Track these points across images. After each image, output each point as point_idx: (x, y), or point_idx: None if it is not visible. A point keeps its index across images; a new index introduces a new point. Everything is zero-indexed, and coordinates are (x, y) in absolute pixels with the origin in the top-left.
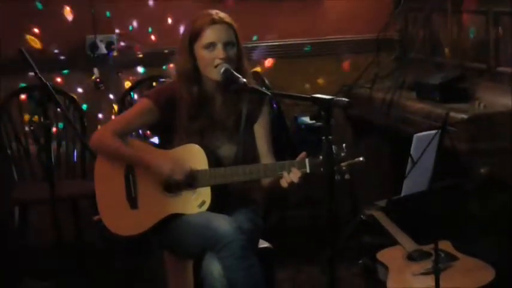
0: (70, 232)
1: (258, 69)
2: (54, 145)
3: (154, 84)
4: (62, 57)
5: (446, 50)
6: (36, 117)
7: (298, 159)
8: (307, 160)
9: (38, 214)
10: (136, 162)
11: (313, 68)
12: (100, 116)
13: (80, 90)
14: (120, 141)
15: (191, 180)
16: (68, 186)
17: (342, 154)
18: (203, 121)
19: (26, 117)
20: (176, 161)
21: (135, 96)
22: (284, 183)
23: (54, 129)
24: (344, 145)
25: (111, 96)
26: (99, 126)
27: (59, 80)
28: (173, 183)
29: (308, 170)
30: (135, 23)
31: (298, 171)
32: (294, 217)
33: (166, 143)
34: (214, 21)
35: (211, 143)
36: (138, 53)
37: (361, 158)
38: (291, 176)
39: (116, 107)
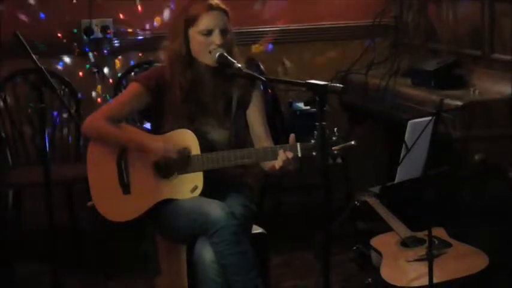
0: (64, 216)
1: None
2: (48, 129)
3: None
4: (57, 41)
5: (442, 37)
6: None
7: (289, 142)
8: (298, 144)
9: (32, 198)
10: (128, 144)
11: (308, 53)
12: (95, 100)
13: (75, 74)
14: (112, 125)
15: (185, 158)
16: (63, 169)
17: (334, 138)
18: (193, 105)
19: (21, 101)
20: (168, 141)
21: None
22: (276, 166)
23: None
24: (336, 129)
25: (106, 80)
26: (94, 111)
27: (54, 64)
28: (166, 165)
29: (300, 154)
30: (131, 7)
31: (289, 153)
32: (288, 202)
33: (157, 128)
34: (211, 7)
35: (202, 127)
36: (134, 37)
37: (352, 142)
38: (281, 157)
39: (111, 91)
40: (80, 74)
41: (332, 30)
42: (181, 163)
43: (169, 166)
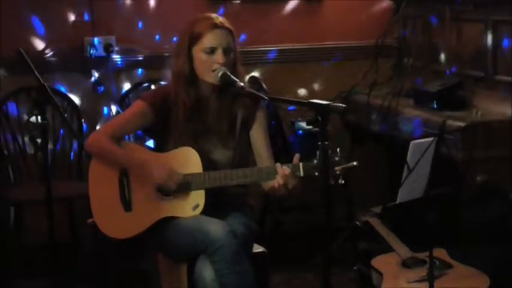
0: (65, 233)
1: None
2: (51, 146)
3: (153, 86)
4: (61, 59)
5: (444, 58)
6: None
7: (293, 162)
8: (301, 164)
9: (34, 214)
10: (130, 167)
11: (311, 73)
12: (98, 118)
13: (78, 91)
14: (115, 144)
15: (184, 188)
16: (64, 187)
17: (336, 158)
18: (197, 124)
19: (24, 117)
20: (169, 168)
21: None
22: (276, 184)
23: (51, 130)
24: (338, 149)
25: (110, 98)
26: (96, 128)
27: (57, 81)
28: (166, 189)
29: (302, 174)
30: (134, 25)
31: (286, 168)
32: (289, 222)
33: (161, 146)
34: (215, 26)
35: (205, 146)
36: (137, 55)
37: (354, 163)
38: (280, 173)
39: (114, 109)
40: (83, 91)
41: (335, 51)
42: (180, 192)
43: (169, 191)
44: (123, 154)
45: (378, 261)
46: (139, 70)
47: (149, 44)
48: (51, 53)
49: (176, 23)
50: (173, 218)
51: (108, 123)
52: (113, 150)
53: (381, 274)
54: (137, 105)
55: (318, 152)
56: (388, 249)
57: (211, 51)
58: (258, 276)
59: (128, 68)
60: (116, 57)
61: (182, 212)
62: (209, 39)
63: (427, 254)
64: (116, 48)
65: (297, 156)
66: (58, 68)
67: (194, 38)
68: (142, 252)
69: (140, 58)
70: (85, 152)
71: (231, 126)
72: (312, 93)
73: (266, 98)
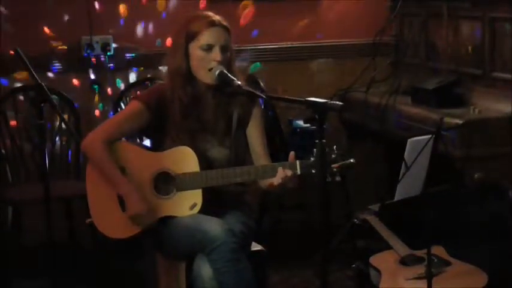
0: (63, 232)
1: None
2: (48, 145)
3: (150, 85)
4: (58, 58)
5: (442, 55)
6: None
7: (289, 160)
8: (297, 162)
9: (32, 214)
10: (114, 184)
11: (308, 71)
12: (95, 117)
13: (75, 91)
14: (108, 154)
15: (181, 187)
16: (62, 186)
17: (333, 156)
18: (194, 122)
19: (21, 117)
20: (147, 205)
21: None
22: (275, 183)
23: (48, 129)
24: (335, 147)
25: (107, 97)
26: (94, 128)
27: (54, 80)
28: (163, 187)
29: (299, 172)
30: (131, 25)
31: (287, 171)
32: (288, 220)
33: (157, 145)
34: (213, 24)
35: (202, 145)
36: (134, 54)
37: (351, 160)
38: (280, 174)
39: (111, 108)
40: (80, 90)
41: (332, 48)
42: (177, 192)
43: (168, 184)
44: (111, 170)
45: (376, 259)
46: (137, 69)
47: (146, 44)
48: (48, 52)
49: (173, 22)
50: (171, 217)
51: (104, 124)
52: (103, 162)
53: (379, 272)
54: (133, 106)
55: (315, 150)
56: (387, 246)
57: (209, 48)
58: (257, 275)
59: (125, 67)
60: (113, 57)
61: (180, 212)
62: (206, 37)
63: (425, 251)
64: (113, 48)
65: (291, 153)
66: (55, 68)
67: (191, 36)
68: (140, 252)
69: (137, 57)
70: (82, 152)
71: (227, 125)
72: (310, 92)
73: (263, 96)
